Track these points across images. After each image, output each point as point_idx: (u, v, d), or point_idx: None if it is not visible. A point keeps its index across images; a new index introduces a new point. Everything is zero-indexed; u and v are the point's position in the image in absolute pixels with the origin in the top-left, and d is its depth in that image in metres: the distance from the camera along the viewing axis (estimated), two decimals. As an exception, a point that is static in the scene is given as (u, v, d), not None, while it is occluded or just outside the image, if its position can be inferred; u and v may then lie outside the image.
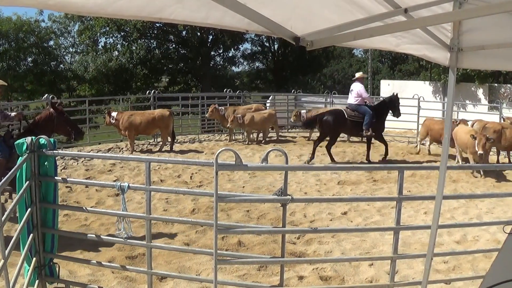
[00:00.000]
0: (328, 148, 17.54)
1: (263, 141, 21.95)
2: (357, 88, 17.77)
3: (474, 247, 9.26)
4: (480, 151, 14.05)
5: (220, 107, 22.26)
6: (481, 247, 8.89)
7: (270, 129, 23.11)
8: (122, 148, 20.16)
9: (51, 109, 10.51)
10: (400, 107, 18.06)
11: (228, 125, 21.64)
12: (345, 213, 11.58)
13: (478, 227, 10.00)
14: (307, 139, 22.91)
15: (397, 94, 18.18)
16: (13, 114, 10.95)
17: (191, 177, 15.28)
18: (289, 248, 9.06)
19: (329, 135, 17.71)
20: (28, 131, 9.94)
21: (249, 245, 9.47)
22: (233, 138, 22.07)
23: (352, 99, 17.81)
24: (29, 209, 6.79)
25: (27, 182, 6.80)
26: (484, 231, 10.03)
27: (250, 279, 8.00)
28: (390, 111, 17.93)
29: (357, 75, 18.51)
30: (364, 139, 18.77)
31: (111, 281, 7.87)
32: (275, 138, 22.82)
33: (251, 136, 22.08)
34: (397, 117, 18.02)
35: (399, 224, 7.02)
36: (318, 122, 17.88)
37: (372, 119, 17.12)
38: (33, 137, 7.16)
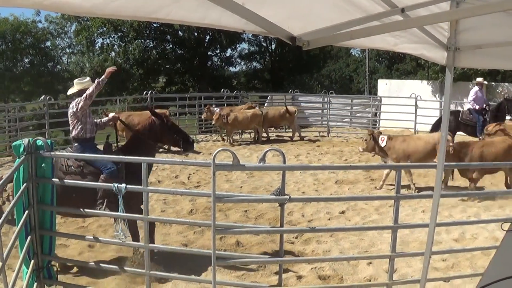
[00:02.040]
0: None
1: (258, 140, 21.97)
2: (471, 93, 18.81)
3: (472, 245, 9.26)
4: None
5: (215, 108, 22.14)
6: (479, 245, 8.87)
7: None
8: (120, 149, 20.11)
9: (152, 117, 9.32)
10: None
11: (213, 123, 21.76)
12: (343, 212, 11.58)
13: (476, 225, 9.98)
14: (300, 139, 22.95)
15: (507, 97, 19.14)
16: (104, 119, 9.66)
17: (188, 177, 15.29)
18: (287, 247, 9.06)
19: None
20: (132, 143, 9.20)
21: (247, 245, 9.48)
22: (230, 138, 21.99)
23: (469, 103, 18.74)
24: (26, 211, 6.78)
25: (25, 184, 6.80)
26: (483, 229, 10.02)
27: (249, 279, 8.01)
28: (509, 115, 18.41)
29: (477, 80, 19.20)
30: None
31: (110, 282, 7.86)
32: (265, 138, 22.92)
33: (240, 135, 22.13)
34: None
35: (397, 222, 7.04)
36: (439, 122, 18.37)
37: (483, 125, 17.55)
38: (30, 139, 7.14)
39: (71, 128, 8.84)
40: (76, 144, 8.77)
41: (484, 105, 18.22)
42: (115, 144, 9.41)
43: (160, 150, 19.43)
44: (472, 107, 18.19)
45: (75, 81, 8.97)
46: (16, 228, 6.42)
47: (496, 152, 12.70)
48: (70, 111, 8.72)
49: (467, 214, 11.28)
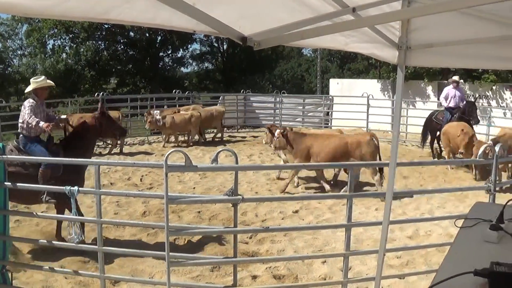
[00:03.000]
0: (431, 143, 19.08)
1: (191, 143, 21.52)
2: (443, 91, 18.99)
3: (426, 241, 9.38)
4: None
5: (156, 111, 21.24)
6: (433, 242, 8.98)
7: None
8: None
9: (96, 116, 10.35)
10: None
11: (146, 127, 21.28)
12: (296, 211, 11.62)
13: (430, 222, 10.10)
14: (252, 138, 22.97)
15: (474, 100, 19.78)
16: (57, 118, 10.28)
17: (141, 179, 15.17)
18: (241, 248, 9.05)
19: (430, 134, 19.05)
20: (74, 136, 9.83)
21: (201, 246, 9.44)
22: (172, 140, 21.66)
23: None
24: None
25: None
26: (436, 226, 10.17)
27: (204, 280, 7.98)
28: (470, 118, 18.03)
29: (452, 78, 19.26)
30: None
31: (64, 286, 7.77)
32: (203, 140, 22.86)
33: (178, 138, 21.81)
34: (475, 124, 17.84)
35: (350, 221, 7.08)
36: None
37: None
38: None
39: (19, 121, 9.25)
40: (22, 137, 9.22)
41: (460, 104, 18.21)
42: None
43: (113, 152, 19.37)
44: (444, 105, 18.35)
45: (31, 80, 9.38)
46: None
47: (328, 145, 13.18)
48: (23, 109, 9.13)
49: (420, 211, 11.43)
